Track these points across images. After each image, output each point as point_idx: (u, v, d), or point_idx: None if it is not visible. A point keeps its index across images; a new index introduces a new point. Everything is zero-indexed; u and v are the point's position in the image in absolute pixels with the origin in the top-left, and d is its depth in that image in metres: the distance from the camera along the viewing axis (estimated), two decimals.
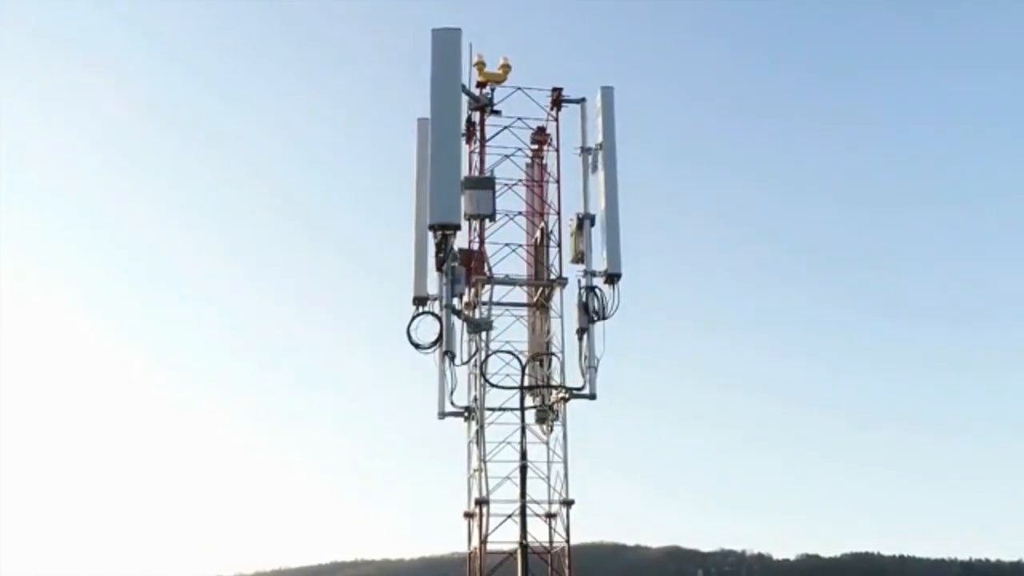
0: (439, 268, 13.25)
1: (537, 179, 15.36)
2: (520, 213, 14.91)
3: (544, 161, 15.43)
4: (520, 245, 14.88)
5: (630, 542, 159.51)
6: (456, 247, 13.95)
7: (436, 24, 13.70)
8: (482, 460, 13.46)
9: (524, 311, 14.95)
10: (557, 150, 15.13)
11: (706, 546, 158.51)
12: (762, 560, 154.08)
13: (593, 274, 14.22)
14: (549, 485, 13.86)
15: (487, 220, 14.25)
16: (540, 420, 14.39)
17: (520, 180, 14.99)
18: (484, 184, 14.04)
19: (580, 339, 14.03)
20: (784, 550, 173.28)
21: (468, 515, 13.85)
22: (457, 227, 13.21)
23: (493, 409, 13.81)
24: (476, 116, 15.00)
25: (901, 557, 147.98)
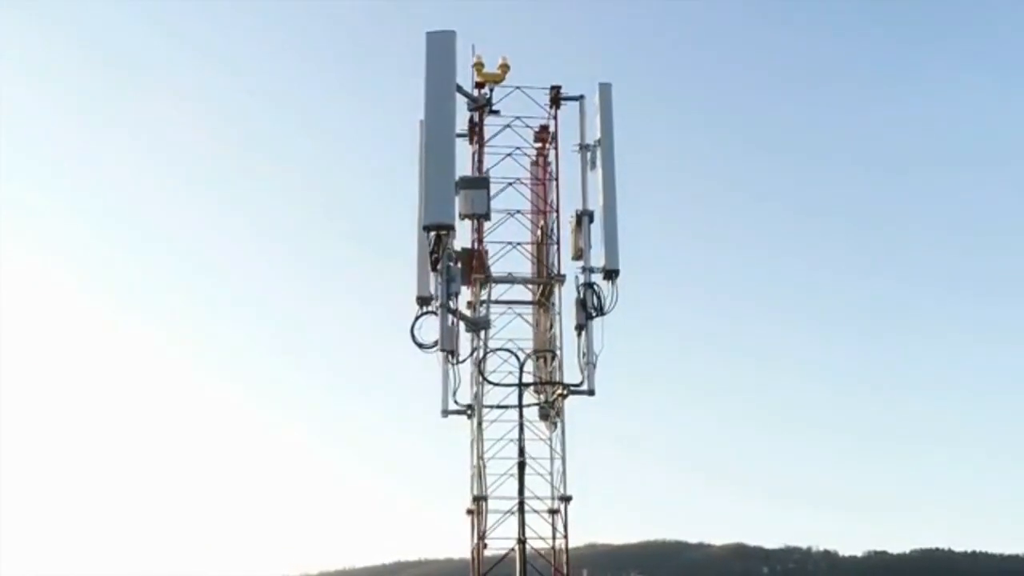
0: (434, 268, 13.39)
1: (540, 177, 15.46)
2: (518, 211, 15.00)
3: (549, 159, 15.54)
4: (519, 243, 14.99)
5: (692, 539, 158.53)
6: (460, 247, 14.25)
7: (438, 21, 13.98)
8: (480, 458, 13.60)
9: (525, 308, 15.05)
10: (556, 148, 15.20)
11: (770, 543, 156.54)
12: (828, 557, 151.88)
13: (591, 270, 14.26)
14: (552, 483, 13.94)
15: (485, 219, 14.32)
16: (543, 416, 14.48)
17: (519, 179, 15.07)
18: (479, 184, 14.17)
19: (579, 335, 14.08)
20: (851, 547, 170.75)
21: (470, 512, 13.98)
22: (451, 227, 13.36)
23: (493, 407, 13.96)
24: (475, 116, 15.12)
25: (973, 553, 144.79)
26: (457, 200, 13.67)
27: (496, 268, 14.92)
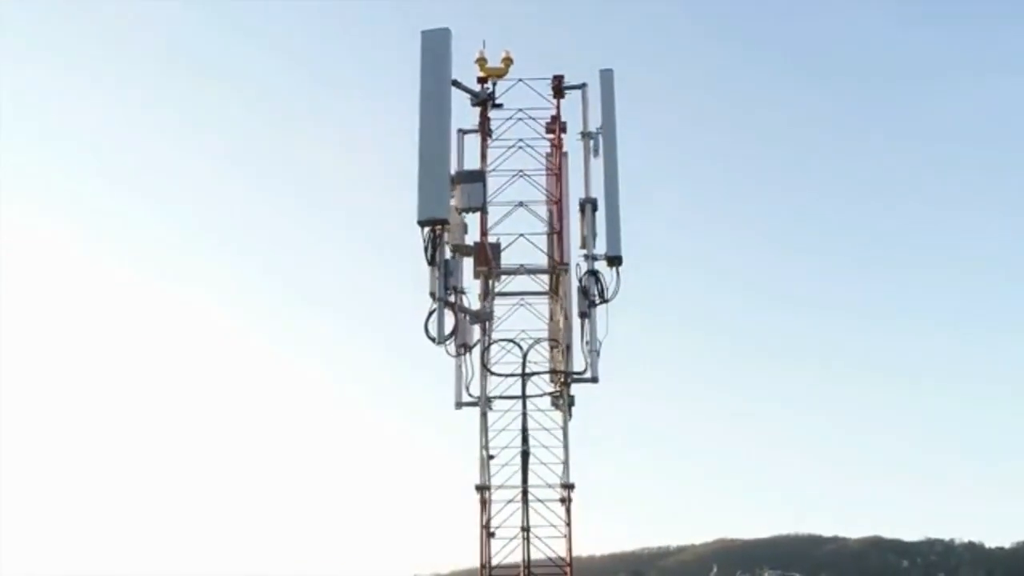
0: (430, 263, 13.61)
1: (552, 168, 15.52)
2: (521, 203, 15.06)
3: (564, 148, 15.59)
4: (529, 234, 15.05)
5: (826, 533, 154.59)
6: (471, 241, 14.49)
7: (442, 17, 14.28)
8: (483, 448, 13.76)
9: (534, 299, 15.14)
10: (559, 138, 15.23)
11: (910, 535, 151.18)
12: (973, 549, 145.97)
13: (594, 258, 14.26)
14: (567, 468, 13.98)
15: (481, 212, 14.48)
16: (557, 405, 14.53)
17: (521, 171, 15.15)
18: (474, 177, 14.32)
19: (582, 323, 14.09)
20: (998, 537, 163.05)
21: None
22: (444, 222, 13.58)
23: (499, 397, 14.10)
24: (481, 111, 15.28)
25: None
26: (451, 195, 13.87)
27: (509, 260, 15.07)
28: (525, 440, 13.67)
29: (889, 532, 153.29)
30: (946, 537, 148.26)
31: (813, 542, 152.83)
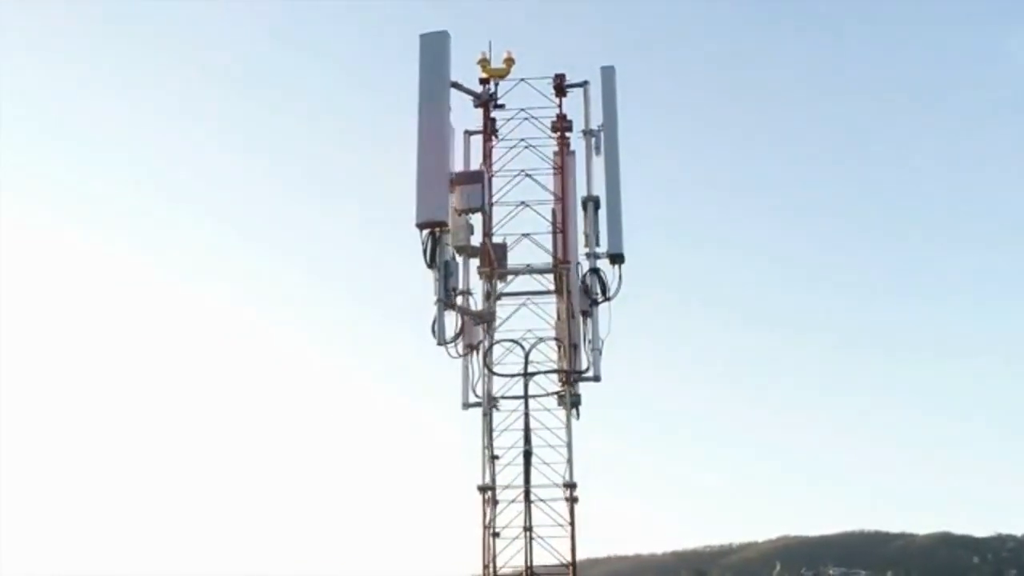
0: (429, 265, 13.67)
1: (558, 166, 15.48)
2: (522, 203, 15.03)
3: (572, 148, 15.55)
4: (533, 234, 15.03)
5: (893, 529, 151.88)
6: (477, 242, 14.53)
7: (445, 19, 14.33)
8: (486, 448, 13.79)
9: (545, 299, 15.08)
10: (562, 137, 15.18)
11: (980, 531, 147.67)
12: None
13: (596, 256, 14.21)
14: (570, 467, 13.95)
15: (480, 213, 14.46)
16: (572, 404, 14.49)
17: (522, 171, 15.12)
18: (474, 178, 14.34)
19: (584, 321, 14.06)
20: None
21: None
22: (443, 224, 13.64)
23: (503, 398, 14.12)
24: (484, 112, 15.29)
25: None
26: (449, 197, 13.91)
27: (516, 260, 15.07)
28: (528, 440, 13.67)
29: (959, 528, 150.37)
30: (1018, 532, 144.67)
31: (880, 539, 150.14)
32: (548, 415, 14.19)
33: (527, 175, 15.06)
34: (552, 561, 13.41)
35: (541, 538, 13.38)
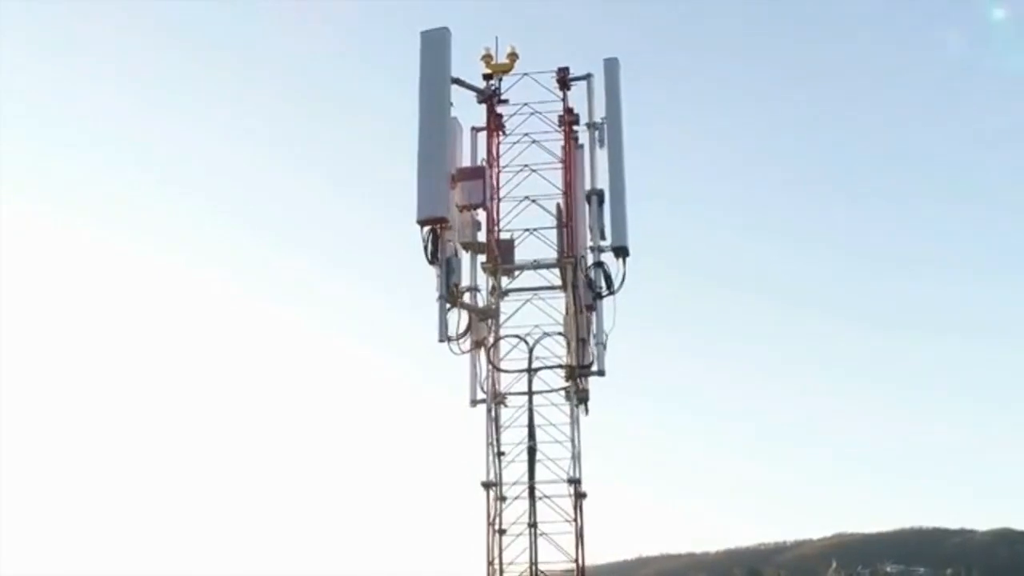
0: (431, 261, 13.64)
1: (565, 161, 15.38)
2: (526, 198, 14.94)
3: (580, 142, 15.43)
4: (538, 229, 14.93)
5: (952, 526, 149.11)
6: (483, 238, 14.48)
7: (449, 15, 14.43)
8: (490, 444, 13.72)
9: (553, 294, 14.97)
10: (567, 130, 15.06)
11: None
12: None
13: (601, 249, 14.09)
14: (576, 463, 13.83)
15: (482, 208, 14.41)
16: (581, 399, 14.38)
17: (526, 165, 15.03)
18: (475, 174, 14.27)
19: (587, 316, 13.93)
20: None
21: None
22: (444, 220, 13.60)
23: (509, 394, 14.05)
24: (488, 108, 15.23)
25: None
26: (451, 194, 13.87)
27: (523, 255, 14.97)
28: (532, 436, 13.58)
29: (1020, 523, 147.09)
30: None
31: (938, 535, 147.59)
32: (555, 411, 14.10)
33: (532, 170, 14.98)
34: (559, 557, 13.30)
35: (547, 535, 13.27)
